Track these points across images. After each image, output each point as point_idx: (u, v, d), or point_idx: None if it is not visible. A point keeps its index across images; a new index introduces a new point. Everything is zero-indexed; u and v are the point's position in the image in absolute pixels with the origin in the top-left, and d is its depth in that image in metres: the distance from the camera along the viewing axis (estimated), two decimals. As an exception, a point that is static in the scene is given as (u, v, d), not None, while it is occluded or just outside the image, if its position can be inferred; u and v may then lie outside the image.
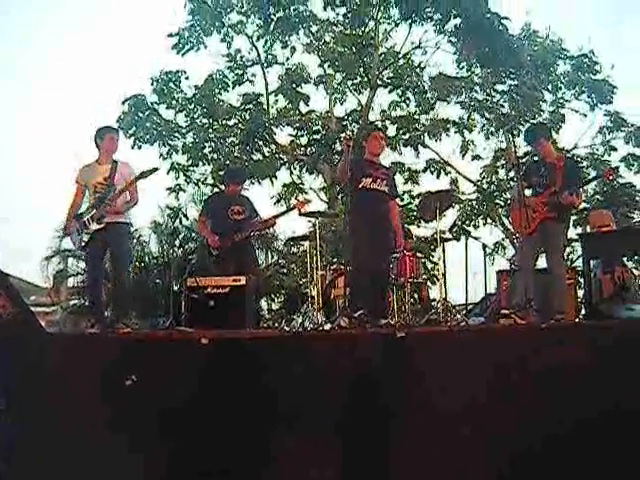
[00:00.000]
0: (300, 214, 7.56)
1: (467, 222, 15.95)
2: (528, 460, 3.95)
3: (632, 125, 14.97)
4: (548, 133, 6.47)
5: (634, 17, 27.32)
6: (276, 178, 15.44)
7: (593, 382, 4.00)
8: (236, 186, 7.31)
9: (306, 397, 4.13)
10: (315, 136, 15.51)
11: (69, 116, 34.99)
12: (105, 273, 6.80)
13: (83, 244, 6.12)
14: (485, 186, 16.68)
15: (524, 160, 6.96)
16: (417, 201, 14.56)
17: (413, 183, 16.03)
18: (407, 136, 15.36)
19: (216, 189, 13.77)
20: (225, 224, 6.97)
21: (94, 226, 6.04)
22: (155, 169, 6.16)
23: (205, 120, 15.55)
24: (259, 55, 15.66)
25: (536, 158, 6.60)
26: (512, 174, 15.76)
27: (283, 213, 7.91)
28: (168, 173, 14.91)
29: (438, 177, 15.75)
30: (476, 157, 16.64)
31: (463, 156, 16.41)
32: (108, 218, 6.04)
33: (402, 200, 16.15)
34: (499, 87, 15.55)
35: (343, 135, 13.85)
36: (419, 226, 13.80)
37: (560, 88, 15.87)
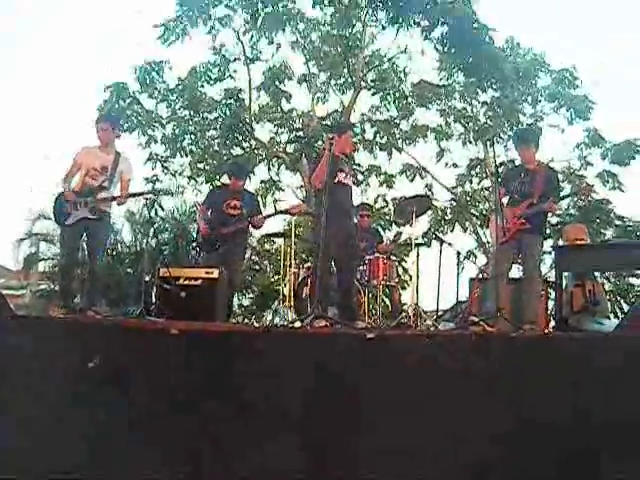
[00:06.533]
0: (278, 213, 7.63)
1: (439, 229, 16.02)
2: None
3: (609, 142, 15.00)
4: (538, 140, 6.40)
5: (617, 35, 27.68)
6: (254, 174, 15.39)
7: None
8: (238, 181, 7.29)
9: (272, 393, 4.11)
10: (296, 134, 15.46)
11: (49, 101, 34.51)
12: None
13: (67, 223, 6.10)
14: (459, 194, 16.76)
15: (501, 169, 6.97)
16: (392, 205, 14.69)
17: (388, 187, 16.08)
18: (384, 140, 15.40)
19: (215, 183, 13.80)
20: (219, 216, 7.02)
21: (83, 213, 6.06)
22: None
23: (186, 112, 15.43)
24: (244, 50, 15.56)
25: (513, 166, 6.60)
26: (488, 183, 15.93)
27: (275, 214, 7.92)
28: (145, 163, 14.89)
29: (412, 181, 15.94)
30: (452, 165, 16.74)
31: (438, 161, 16.54)
32: (100, 208, 6.12)
33: (376, 203, 16.23)
34: (480, 98, 15.68)
35: (326, 136, 13.81)
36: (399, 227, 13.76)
37: (540, 101, 15.97)
